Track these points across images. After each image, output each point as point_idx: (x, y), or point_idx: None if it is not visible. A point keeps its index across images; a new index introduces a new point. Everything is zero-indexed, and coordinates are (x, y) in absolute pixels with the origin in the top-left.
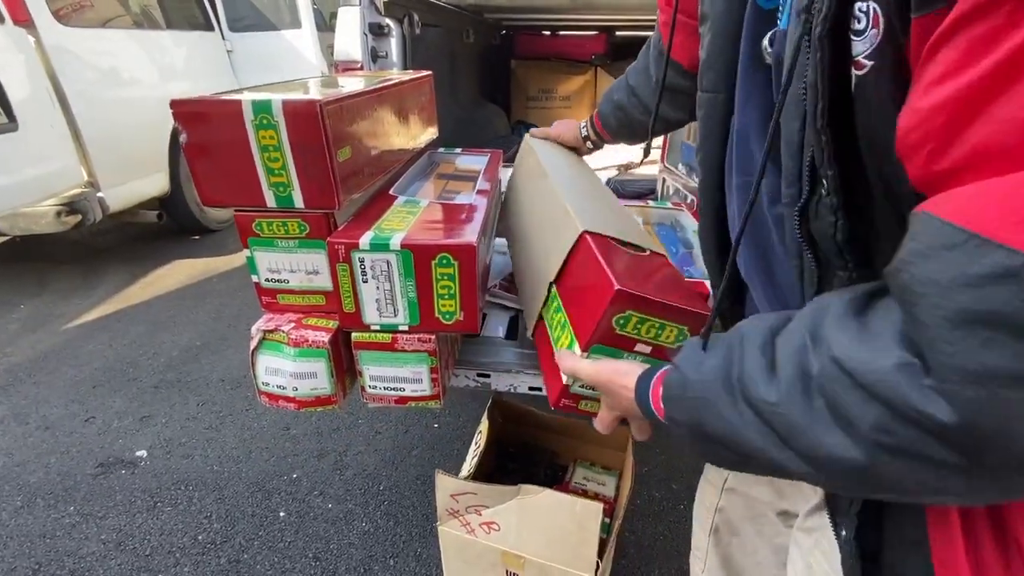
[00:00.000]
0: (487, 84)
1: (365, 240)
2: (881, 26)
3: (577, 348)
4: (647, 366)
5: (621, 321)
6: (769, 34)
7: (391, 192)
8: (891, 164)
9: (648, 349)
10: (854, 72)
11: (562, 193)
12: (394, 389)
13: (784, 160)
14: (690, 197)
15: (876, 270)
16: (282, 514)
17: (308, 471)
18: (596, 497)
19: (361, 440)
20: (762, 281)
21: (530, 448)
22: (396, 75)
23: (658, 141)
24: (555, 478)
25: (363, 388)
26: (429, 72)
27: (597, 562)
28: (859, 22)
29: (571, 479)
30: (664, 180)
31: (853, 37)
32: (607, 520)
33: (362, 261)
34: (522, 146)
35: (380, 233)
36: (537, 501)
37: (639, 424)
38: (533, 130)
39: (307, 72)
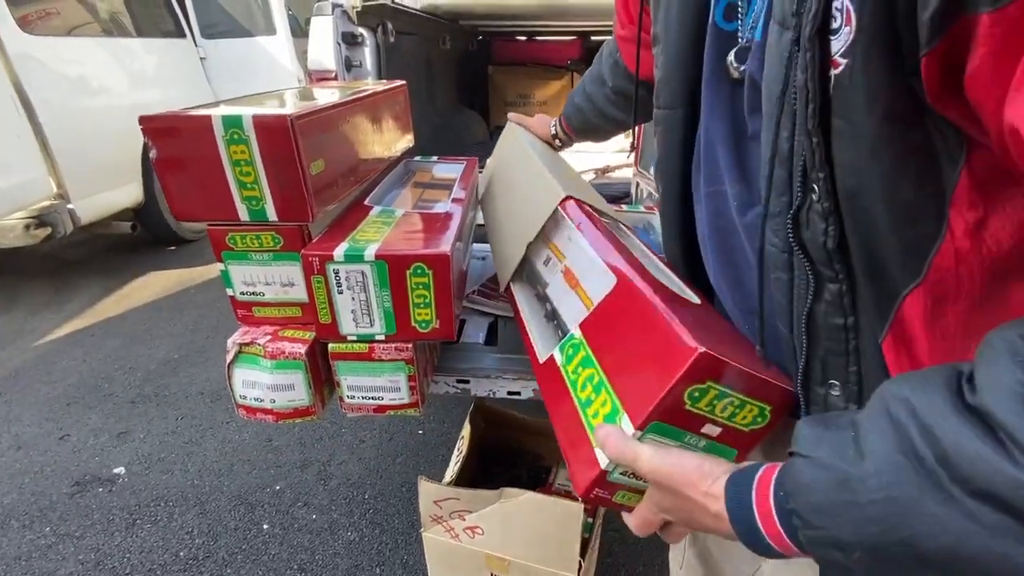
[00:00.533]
0: (465, 90)
1: (339, 252)
2: (854, 23)
3: (627, 424)
4: (734, 465)
5: (696, 394)
6: (734, 50)
7: (366, 202)
8: (871, 167)
9: (717, 431)
10: (832, 72)
11: (543, 166)
12: (372, 398)
13: (773, 170)
14: None
15: (868, 280)
16: (265, 526)
17: (291, 482)
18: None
19: (345, 449)
20: (730, 288)
21: (513, 451)
22: (370, 85)
23: (626, 143)
24: (538, 480)
25: (341, 398)
26: (403, 82)
27: (580, 561)
28: (835, 20)
29: (554, 480)
30: (638, 184)
31: (831, 36)
32: (589, 520)
33: (337, 272)
34: (506, 127)
35: (355, 244)
36: (519, 504)
37: (680, 530)
38: (512, 114)
39: (283, 79)
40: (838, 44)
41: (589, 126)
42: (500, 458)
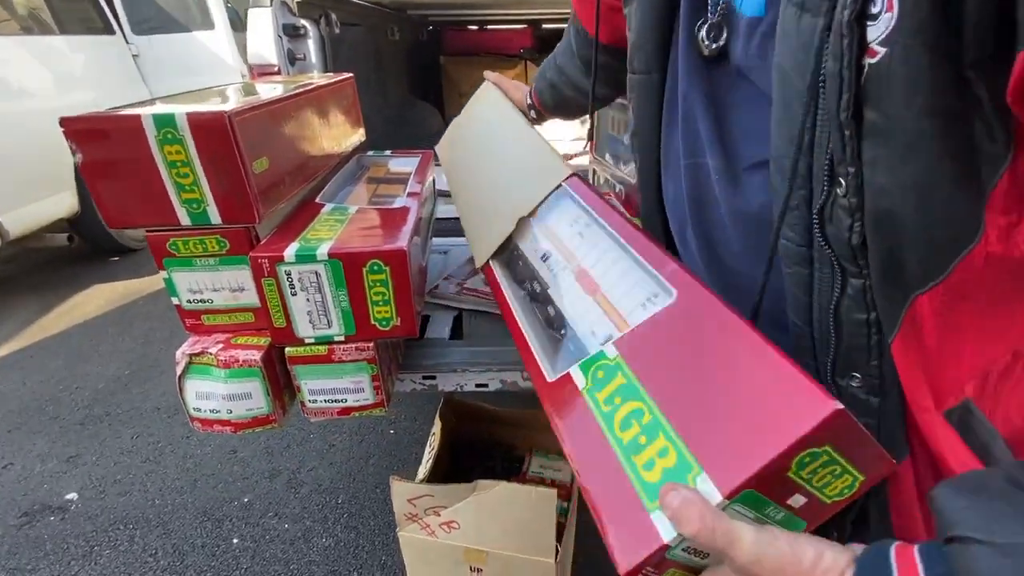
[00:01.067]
0: (417, 82)
1: (290, 252)
2: (896, 9)
3: (708, 486)
4: (853, 552)
5: (806, 459)
6: (704, 26)
7: (318, 200)
8: (905, 164)
9: (802, 502)
10: (867, 61)
11: (537, 135)
12: (335, 401)
13: (789, 162)
14: (618, 186)
15: (880, 276)
16: (235, 541)
17: (260, 493)
18: (553, 484)
19: (315, 455)
20: (706, 265)
21: (486, 443)
22: (315, 79)
23: (583, 130)
24: (512, 470)
25: (303, 403)
26: (350, 74)
27: (556, 546)
28: (875, 5)
29: (528, 469)
30: (595, 171)
31: (868, 22)
32: (564, 504)
33: (289, 274)
34: (483, 85)
35: (306, 244)
36: (493, 495)
37: None
38: (489, 72)
39: (225, 75)
40: (876, 31)
41: (562, 100)
42: (473, 451)
